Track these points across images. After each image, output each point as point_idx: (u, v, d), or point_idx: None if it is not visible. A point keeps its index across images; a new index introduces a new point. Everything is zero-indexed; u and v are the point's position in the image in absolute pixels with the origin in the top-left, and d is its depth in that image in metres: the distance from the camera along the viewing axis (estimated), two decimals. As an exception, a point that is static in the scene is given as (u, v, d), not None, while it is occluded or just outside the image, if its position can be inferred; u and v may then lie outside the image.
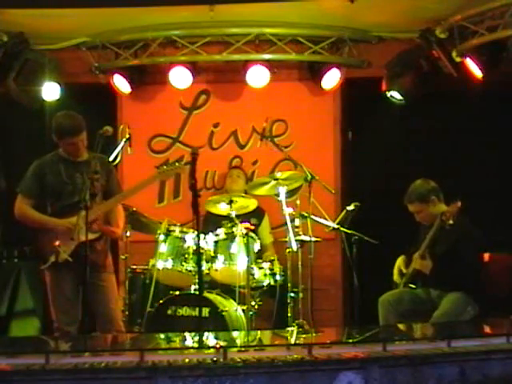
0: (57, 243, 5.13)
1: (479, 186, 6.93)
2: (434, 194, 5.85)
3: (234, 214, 6.33)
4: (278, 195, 6.37)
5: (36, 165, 5.36)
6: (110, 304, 5.38)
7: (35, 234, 5.30)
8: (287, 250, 6.28)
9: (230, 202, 6.36)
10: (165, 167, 5.68)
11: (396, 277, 5.97)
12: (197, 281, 5.90)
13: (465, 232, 5.73)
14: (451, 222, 5.67)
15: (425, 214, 5.87)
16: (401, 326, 5.47)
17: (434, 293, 5.84)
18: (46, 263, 5.21)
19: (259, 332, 5.75)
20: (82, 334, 4.96)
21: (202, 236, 5.91)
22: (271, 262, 6.44)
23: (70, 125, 5.26)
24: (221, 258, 6.21)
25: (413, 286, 5.88)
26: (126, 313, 6.27)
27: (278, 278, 6.41)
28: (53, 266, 5.21)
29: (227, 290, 6.35)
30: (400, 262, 6.00)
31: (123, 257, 6.53)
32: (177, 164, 5.66)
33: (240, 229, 6.22)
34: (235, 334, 5.58)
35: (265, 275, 6.35)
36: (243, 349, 3.95)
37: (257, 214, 6.80)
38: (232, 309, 6.12)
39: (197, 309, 5.74)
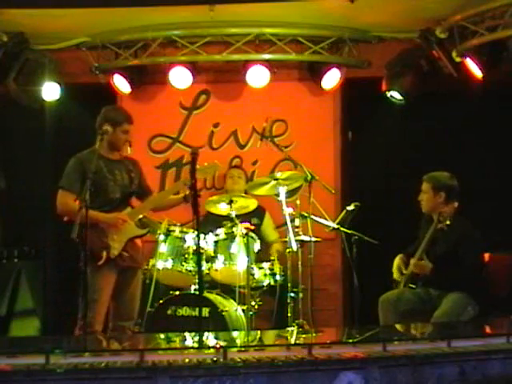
0: (108, 238, 5.26)
1: (479, 185, 6.93)
2: (446, 191, 5.86)
3: (234, 214, 6.33)
4: (278, 195, 6.37)
5: (76, 160, 5.41)
6: (134, 301, 5.49)
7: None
8: (287, 250, 6.28)
9: (230, 202, 6.36)
10: (204, 165, 5.66)
11: (396, 275, 5.97)
12: (197, 281, 5.90)
13: (464, 232, 5.74)
14: (448, 222, 5.69)
15: (426, 198, 5.91)
16: (401, 326, 5.47)
17: (434, 293, 5.85)
18: (96, 259, 5.19)
19: (259, 332, 5.75)
20: (84, 332, 4.97)
21: (202, 236, 5.91)
22: (271, 261, 6.45)
23: (127, 113, 5.48)
24: (221, 258, 6.22)
25: (413, 286, 5.88)
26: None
27: (278, 277, 6.42)
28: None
29: (227, 290, 6.35)
30: (398, 261, 6.00)
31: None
32: (215, 162, 5.81)
33: (240, 229, 6.22)
34: (235, 333, 5.58)
35: (265, 275, 6.36)
36: (243, 349, 3.95)
37: (257, 214, 6.80)
38: (232, 309, 6.12)
39: (197, 309, 5.74)
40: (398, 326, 5.51)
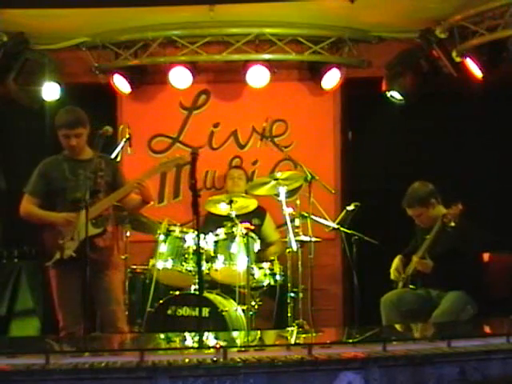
0: (61, 240, 5.15)
1: (479, 186, 6.93)
2: (433, 196, 5.88)
3: (234, 214, 6.33)
4: (278, 195, 6.37)
5: (41, 164, 5.41)
6: (111, 305, 5.29)
7: (40, 232, 5.29)
8: (287, 250, 6.28)
9: (230, 202, 6.36)
10: (165, 160, 5.62)
11: (393, 276, 5.97)
12: (197, 281, 5.91)
13: (466, 233, 5.72)
14: (453, 224, 5.67)
15: (424, 217, 5.89)
16: (401, 326, 5.47)
17: (433, 292, 5.85)
18: (50, 260, 5.20)
19: (259, 332, 5.75)
20: (84, 334, 4.95)
21: (202, 236, 5.91)
22: (271, 262, 6.45)
23: (67, 117, 5.30)
24: (221, 257, 6.22)
25: (412, 286, 5.88)
26: (126, 313, 6.25)
27: (278, 278, 6.42)
28: (58, 263, 5.20)
29: (227, 290, 6.35)
30: (397, 261, 6.00)
31: (123, 257, 6.50)
32: (177, 156, 5.65)
33: (240, 229, 6.22)
34: (235, 333, 5.58)
35: (265, 275, 6.36)
36: (243, 349, 3.95)
37: (258, 214, 6.81)
38: (232, 309, 6.12)
39: (197, 309, 5.74)
40: (398, 326, 5.51)
